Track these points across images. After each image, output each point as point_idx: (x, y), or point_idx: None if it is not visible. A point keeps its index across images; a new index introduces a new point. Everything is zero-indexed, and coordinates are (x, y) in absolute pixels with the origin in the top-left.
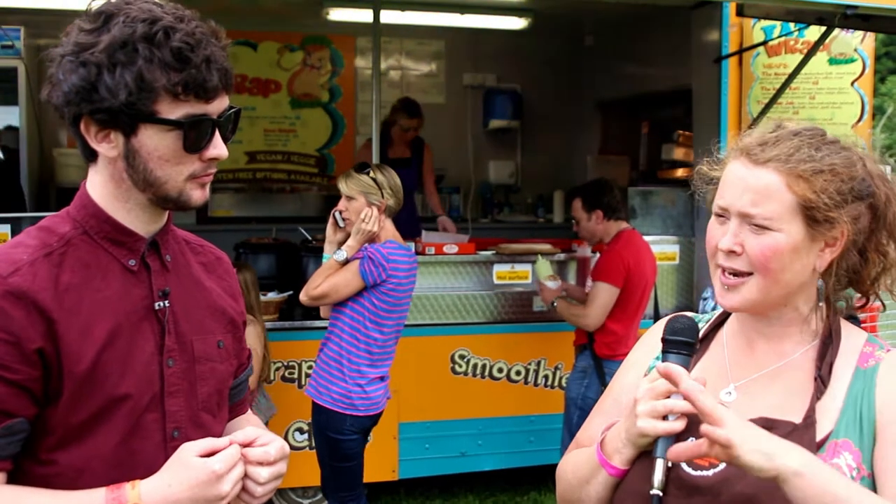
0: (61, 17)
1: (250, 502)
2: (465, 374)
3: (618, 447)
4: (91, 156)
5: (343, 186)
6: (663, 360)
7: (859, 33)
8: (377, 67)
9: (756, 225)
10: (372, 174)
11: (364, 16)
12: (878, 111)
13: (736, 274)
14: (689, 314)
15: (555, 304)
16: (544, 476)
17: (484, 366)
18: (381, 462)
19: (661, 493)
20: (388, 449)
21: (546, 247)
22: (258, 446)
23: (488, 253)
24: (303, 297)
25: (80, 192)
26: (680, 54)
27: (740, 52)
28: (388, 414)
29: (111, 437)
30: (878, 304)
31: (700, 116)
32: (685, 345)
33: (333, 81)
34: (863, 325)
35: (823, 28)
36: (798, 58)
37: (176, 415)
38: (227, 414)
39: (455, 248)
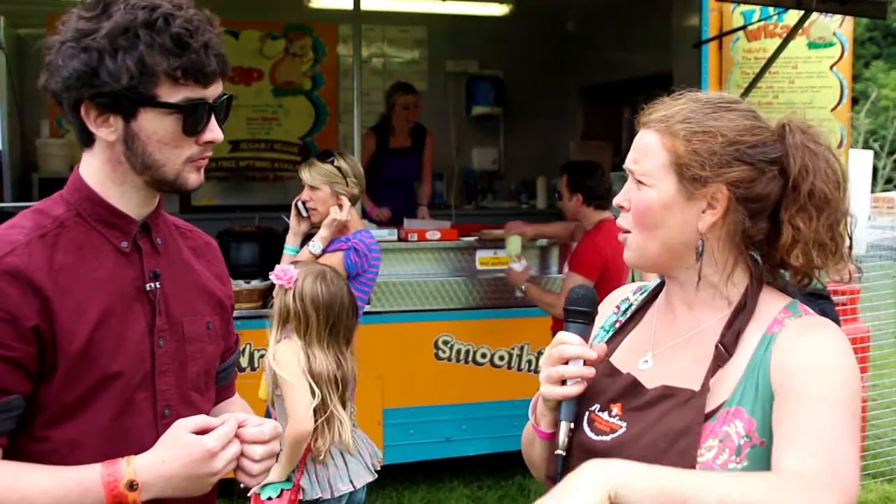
0: (42, 7)
1: (248, 482)
2: (449, 359)
3: (542, 412)
4: (88, 140)
5: (307, 176)
6: (564, 329)
7: (838, 17)
8: (358, 55)
9: (637, 181)
10: (336, 163)
11: (345, 3)
12: (862, 96)
13: (625, 231)
14: (631, 285)
15: (524, 287)
16: None
17: (467, 351)
18: None
19: (563, 454)
20: (372, 435)
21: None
22: (252, 427)
23: (471, 239)
24: None
25: (74, 176)
26: (660, 39)
27: (720, 36)
28: (373, 400)
29: (104, 413)
30: (856, 286)
31: None
32: (581, 314)
33: (316, 69)
34: (843, 307)
35: (802, 12)
36: (777, 42)
37: (166, 393)
38: (213, 394)
39: (438, 235)
